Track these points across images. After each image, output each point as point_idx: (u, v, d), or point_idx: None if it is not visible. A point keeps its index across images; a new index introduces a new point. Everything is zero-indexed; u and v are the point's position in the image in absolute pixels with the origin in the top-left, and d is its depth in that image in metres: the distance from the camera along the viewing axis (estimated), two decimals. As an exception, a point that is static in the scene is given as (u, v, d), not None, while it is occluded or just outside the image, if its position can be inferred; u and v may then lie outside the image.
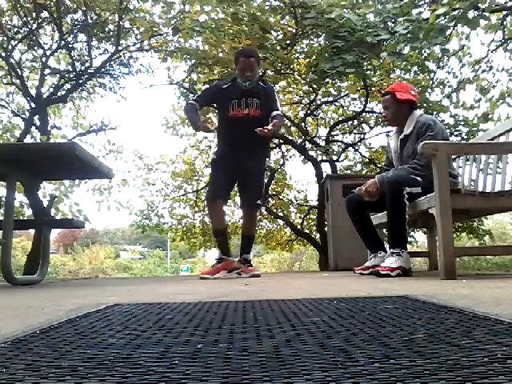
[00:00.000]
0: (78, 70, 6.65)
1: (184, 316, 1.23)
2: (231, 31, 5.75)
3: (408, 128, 3.26)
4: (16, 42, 6.58)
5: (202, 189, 9.83)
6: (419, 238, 10.17)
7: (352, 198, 3.50)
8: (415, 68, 7.26)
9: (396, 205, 3.01)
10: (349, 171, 8.75)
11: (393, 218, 3.05)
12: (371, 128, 8.69)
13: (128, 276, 20.39)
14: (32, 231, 6.32)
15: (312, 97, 8.23)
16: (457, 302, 1.42)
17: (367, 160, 8.91)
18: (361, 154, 9.04)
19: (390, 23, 5.51)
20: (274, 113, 3.67)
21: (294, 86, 8.47)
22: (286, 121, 8.68)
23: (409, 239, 5.20)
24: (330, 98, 8.68)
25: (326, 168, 8.34)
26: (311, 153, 8.42)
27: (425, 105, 6.59)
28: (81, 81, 6.71)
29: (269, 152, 4.13)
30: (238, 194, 4.08)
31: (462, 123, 7.18)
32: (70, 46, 6.72)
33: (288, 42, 6.44)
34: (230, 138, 3.76)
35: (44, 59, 6.64)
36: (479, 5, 4.96)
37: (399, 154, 3.36)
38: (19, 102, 7.68)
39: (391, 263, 2.95)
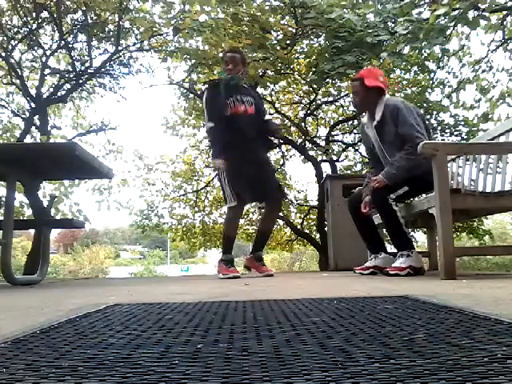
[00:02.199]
0: (78, 69, 6.65)
1: (184, 316, 1.23)
2: (231, 31, 5.75)
3: (378, 113, 3.24)
4: (16, 42, 6.57)
5: (201, 189, 9.83)
6: (419, 238, 10.17)
7: (354, 197, 3.50)
8: (415, 68, 7.27)
9: (386, 214, 3.07)
10: (349, 171, 8.76)
11: (389, 227, 3.15)
12: (371, 128, 8.67)
13: (128, 276, 20.37)
14: (32, 231, 6.31)
15: (312, 97, 8.24)
16: (457, 302, 1.42)
17: (367, 160, 8.90)
18: (361, 154, 9.04)
19: (390, 23, 5.51)
20: None
21: (294, 85, 8.48)
22: (286, 121, 8.70)
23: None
24: (330, 98, 8.68)
25: (326, 168, 8.36)
26: (311, 153, 8.43)
27: (425, 105, 6.59)
28: (81, 81, 6.71)
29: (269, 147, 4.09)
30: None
31: (462, 123, 7.19)
32: (70, 46, 6.72)
33: (288, 41, 6.44)
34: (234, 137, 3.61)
35: (44, 59, 6.63)
36: (479, 5, 4.95)
37: (379, 140, 3.33)
38: (19, 102, 7.68)
39: (401, 263, 2.99)
